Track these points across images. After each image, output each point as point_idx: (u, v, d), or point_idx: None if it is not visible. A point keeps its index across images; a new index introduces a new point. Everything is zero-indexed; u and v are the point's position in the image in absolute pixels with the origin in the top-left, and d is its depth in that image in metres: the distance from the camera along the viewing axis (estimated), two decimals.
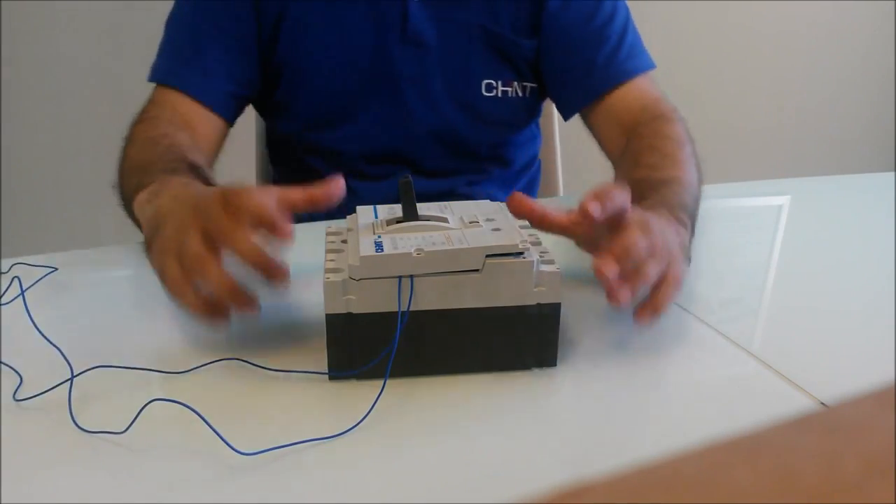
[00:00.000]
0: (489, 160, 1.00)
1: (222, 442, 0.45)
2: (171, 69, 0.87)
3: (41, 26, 1.71)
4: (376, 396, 0.49)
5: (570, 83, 0.91)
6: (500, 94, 0.93)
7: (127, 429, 0.47)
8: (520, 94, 0.94)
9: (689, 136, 0.81)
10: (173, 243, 0.53)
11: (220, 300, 0.51)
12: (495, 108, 0.94)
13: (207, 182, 0.68)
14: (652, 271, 0.54)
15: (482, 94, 0.92)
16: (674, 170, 0.73)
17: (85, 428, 0.47)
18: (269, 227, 0.50)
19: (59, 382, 0.51)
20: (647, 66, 0.91)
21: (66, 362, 0.54)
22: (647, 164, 0.75)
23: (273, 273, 0.50)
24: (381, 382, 0.51)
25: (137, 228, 0.69)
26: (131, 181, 0.72)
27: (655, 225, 0.57)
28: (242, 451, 0.45)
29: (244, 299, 0.51)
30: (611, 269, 0.50)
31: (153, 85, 0.88)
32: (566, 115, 0.95)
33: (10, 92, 1.73)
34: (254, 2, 0.87)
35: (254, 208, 0.50)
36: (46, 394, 0.51)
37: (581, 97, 0.91)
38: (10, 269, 0.69)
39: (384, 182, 0.96)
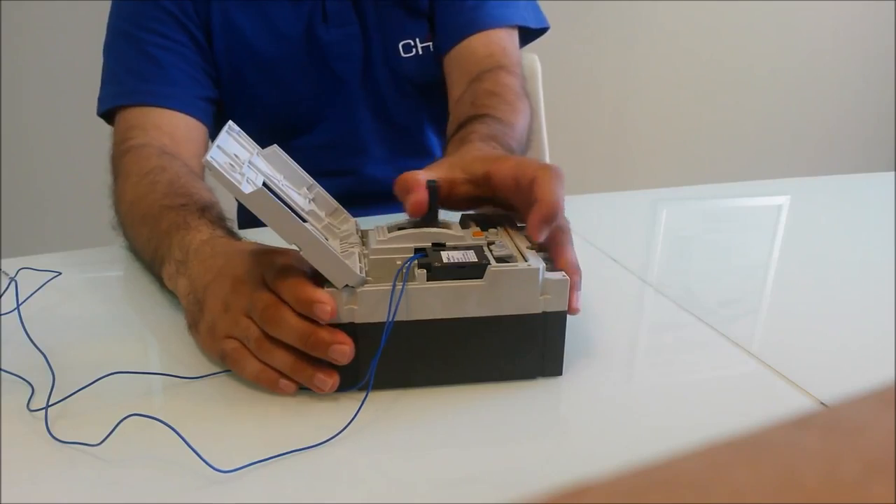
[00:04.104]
0: (427, 141, 1.01)
1: (209, 450, 0.45)
2: (136, 88, 0.83)
3: (41, 26, 1.71)
4: (358, 407, 0.48)
5: (442, 25, 0.91)
6: (420, 52, 0.93)
7: (102, 441, 0.46)
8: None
9: (525, 91, 0.83)
10: (224, 327, 0.51)
11: (290, 374, 0.50)
12: (418, 68, 0.93)
13: (222, 221, 0.65)
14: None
15: (402, 55, 0.92)
16: (514, 116, 0.76)
17: (61, 439, 0.46)
18: (309, 307, 0.48)
19: (71, 392, 0.51)
20: (516, 18, 0.91)
21: (52, 371, 0.54)
22: (485, 105, 0.77)
23: (331, 352, 0.48)
24: (386, 393, 0.50)
25: (162, 288, 0.65)
26: (140, 232, 0.68)
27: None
28: (221, 468, 0.44)
29: (312, 375, 0.49)
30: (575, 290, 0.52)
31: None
32: (438, 59, 0.94)
33: (10, 92, 1.73)
34: (179, 4, 0.85)
35: (293, 294, 0.48)
36: (58, 403, 0.50)
37: (445, 39, 0.90)
38: (16, 273, 0.69)
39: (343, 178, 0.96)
